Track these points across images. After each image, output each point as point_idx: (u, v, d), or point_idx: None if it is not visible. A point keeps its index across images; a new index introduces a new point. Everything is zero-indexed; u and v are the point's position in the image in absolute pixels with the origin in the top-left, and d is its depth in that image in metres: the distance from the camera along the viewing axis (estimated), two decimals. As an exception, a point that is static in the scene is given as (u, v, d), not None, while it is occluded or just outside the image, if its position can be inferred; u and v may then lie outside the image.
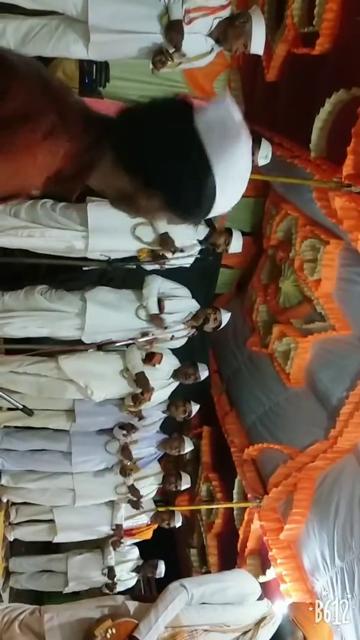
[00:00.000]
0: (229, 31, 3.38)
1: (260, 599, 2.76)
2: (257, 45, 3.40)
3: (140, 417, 4.19)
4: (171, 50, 3.34)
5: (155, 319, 3.90)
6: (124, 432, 4.24)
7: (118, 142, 1.03)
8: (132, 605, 2.71)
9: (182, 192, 1.03)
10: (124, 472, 4.29)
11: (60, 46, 3.34)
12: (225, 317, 4.12)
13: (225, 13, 3.38)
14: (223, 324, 4.13)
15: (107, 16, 3.25)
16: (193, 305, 4.08)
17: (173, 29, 3.27)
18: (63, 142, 0.99)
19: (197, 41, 3.43)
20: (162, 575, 4.77)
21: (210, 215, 1.09)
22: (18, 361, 4.00)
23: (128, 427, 4.24)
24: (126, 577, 4.82)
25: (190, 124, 1.01)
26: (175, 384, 4.25)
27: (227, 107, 1.05)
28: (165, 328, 3.96)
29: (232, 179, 1.04)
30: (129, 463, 4.27)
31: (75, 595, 5.89)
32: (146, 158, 1.02)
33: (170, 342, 4.10)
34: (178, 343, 4.14)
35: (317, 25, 3.50)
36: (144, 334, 3.94)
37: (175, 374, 4.20)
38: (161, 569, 4.75)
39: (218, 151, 1.01)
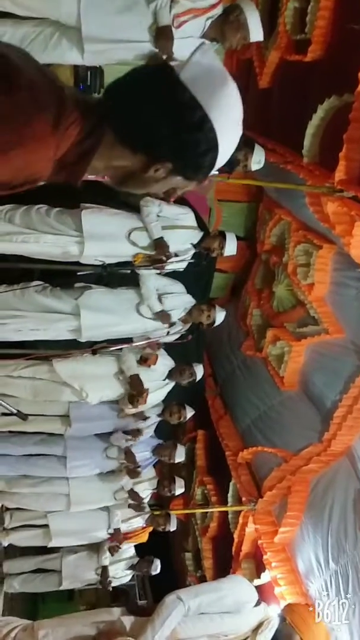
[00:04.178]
0: (225, 29, 3.32)
1: (257, 604, 2.74)
2: (256, 33, 3.31)
3: (144, 418, 4.19)
4: (164, 58, 3.34)
5: (162, 316, 3.91)
6: (129, 437, 4.24)
7: (114, 121, 1.04)
8: (128, 620, 2.66)
9: (185, 145, 1.03)
10: (132, 474, 4.28)
11: (55, 54, 3.34)
12: (220, 315, 4.13)
13: (218, 11, 3.31)
14: (217, 322, 4.13)
15: (99, 26, 3.25)
16: (188, 301, 4.09)
17: (162, 36, 3.24)
18: (68, 132, 1.00)
19: (191, 46, 3.41)
20: (158, 571, 4.78)
21: (219, 163, 1.08)
22: (13, 365, 4.00)
23: (134, 433, 4.24)
24: (121, 575, 4.83)
25: (175, 80, 1.03)
26: (171, 385, 4.26)
27: (209, 55, 1.09)
28: (172, 324, 3.97)
29: (228, 121, 1.06)
30: (132, 467, 4.27)
31: (70, 600, 5.88)
32: (143, 127, 1.03)
33: (165, 337, 4.11)
34: (172, 338, 4.14)
35: (309, 32, 3.55)
36: (143, 337, 3.95)
37: (171, 375, 4.22)
38: (156, 565, 4.75)
39: (209, 98, 1.03)
